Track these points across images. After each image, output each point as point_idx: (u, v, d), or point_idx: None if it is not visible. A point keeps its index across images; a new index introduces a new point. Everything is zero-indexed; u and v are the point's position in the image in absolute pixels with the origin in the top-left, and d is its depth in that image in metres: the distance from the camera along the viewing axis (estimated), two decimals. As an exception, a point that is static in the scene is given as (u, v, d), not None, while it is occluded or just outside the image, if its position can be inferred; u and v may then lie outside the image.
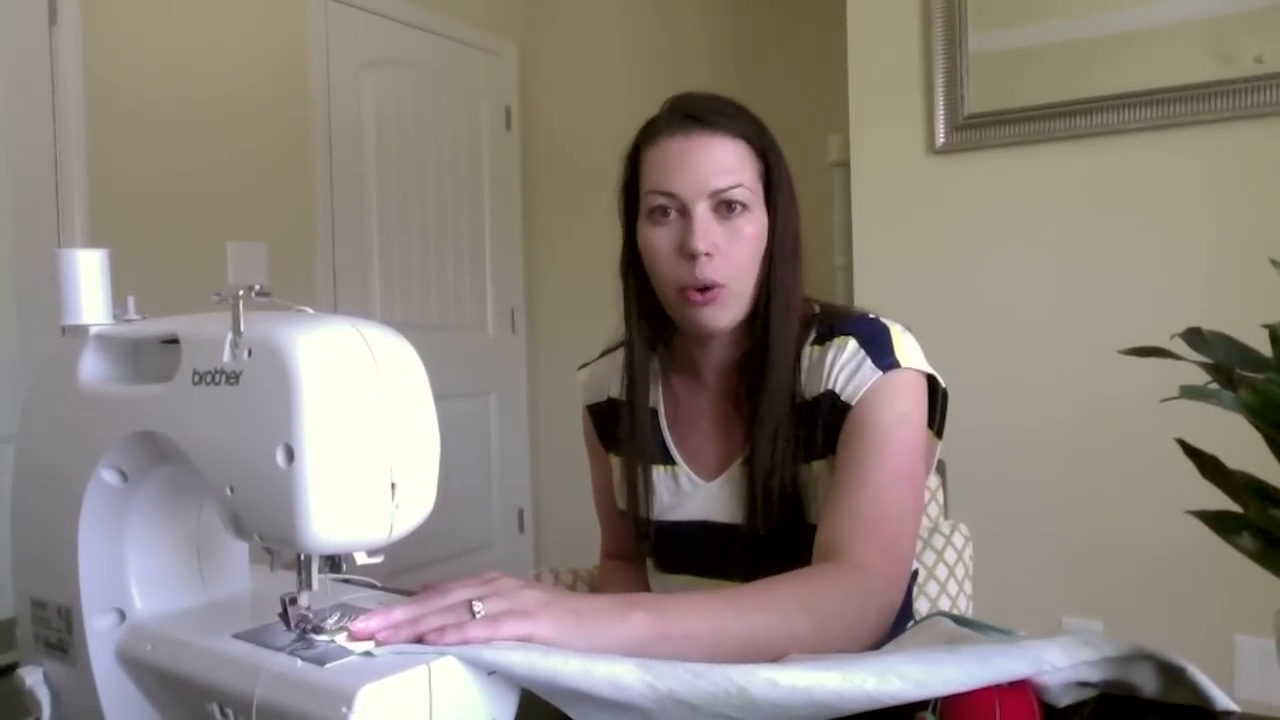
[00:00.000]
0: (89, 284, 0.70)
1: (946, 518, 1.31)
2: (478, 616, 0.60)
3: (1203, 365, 0.55)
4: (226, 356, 0.58)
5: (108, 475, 0.66)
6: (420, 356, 0.61)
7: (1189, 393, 0.54)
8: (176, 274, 2.41)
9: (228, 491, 0.58)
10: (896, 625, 0.83)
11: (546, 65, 3.75)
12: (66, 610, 0.68)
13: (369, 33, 3.18)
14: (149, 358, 0.70)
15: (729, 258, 0.95)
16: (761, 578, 0.79)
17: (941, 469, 1.33)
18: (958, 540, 1.27)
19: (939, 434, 1.00)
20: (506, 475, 3.70)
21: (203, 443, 0.59)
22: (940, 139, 2.32)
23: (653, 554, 1.08)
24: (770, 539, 0.97)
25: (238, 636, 0.62)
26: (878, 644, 0.78)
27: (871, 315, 0.99)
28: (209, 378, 0.59)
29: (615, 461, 1.12)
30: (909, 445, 0.92)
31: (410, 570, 2.71)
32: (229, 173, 2.71)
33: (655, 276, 0.99)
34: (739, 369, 1.02)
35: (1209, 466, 0.54)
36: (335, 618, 0.61)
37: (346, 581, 0.75)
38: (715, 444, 1.04)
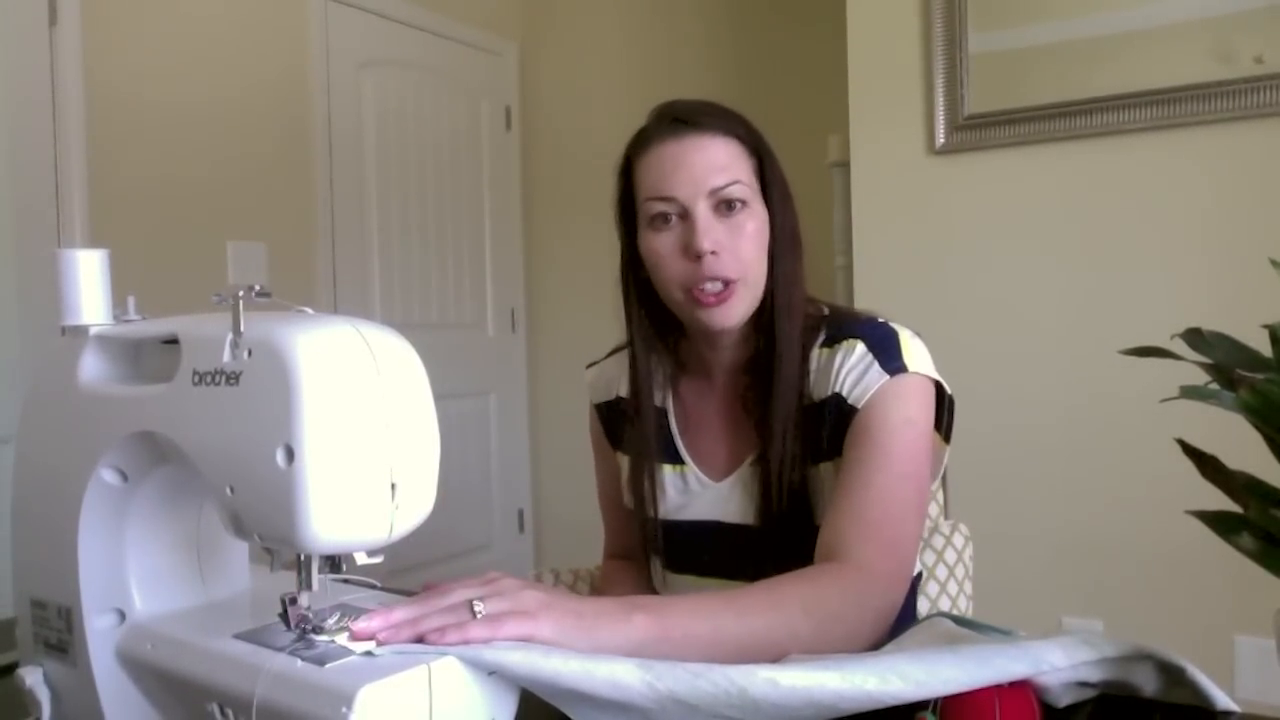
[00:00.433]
0: (89, 284, 0.70)
1: (946, 518, 1.31)
2: (478, 616, 0.60)
3: (1203, 365, 0.55)
4: (226, 357, 0.58)
5: (108, 475, 0.66)
6: (420, 356, 0.61)
7: (1189, 393, 0.54)
8: (176, 274, 2.41)
9: (228, 491, 0.58)
10: (898, 626, 0.83)
11: (546, 65, 3.75)
12: (66, 610, 0.68)
13: (369, 33, 3.18)
14: (149, 358, 0.70)
15: (735, 254, 0.95)
16: (770, 578, 0.79)
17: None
18: (958, 540, 1.27)
19: (946, 439, 1.00)
20: (506, 475, 3.70)
21: (203, 443, 0.59)
22: (940, 139, 2.32)
23: (660, 554, 1.08)
24: (778, 540, 0.97)
25: (238, 636, 0.62)
26: (878, 644, 0.78)
27: (881, 319, 0.99)
28: (209, 378, 0.59)
29: (624, 460, 1.12)
30: (913, 448, 0.92)
31: (410, 570, 2.71)
32: (229, 173, 2.71)
33: (662, 281, 0.99)
34: (747, 369, 1.02)
35: (1209, 466, 0.54)
36: (335, 618, 0.61)
37: (346, 581, 0.75)
38: (724, 445, 1.04)
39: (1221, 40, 2.03)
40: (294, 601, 0.61)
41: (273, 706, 0.55)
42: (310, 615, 0.61)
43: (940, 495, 1.31)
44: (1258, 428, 0.52)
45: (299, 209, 2.94)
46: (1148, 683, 0.66)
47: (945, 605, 1.23)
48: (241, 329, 0.57)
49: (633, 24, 3.54)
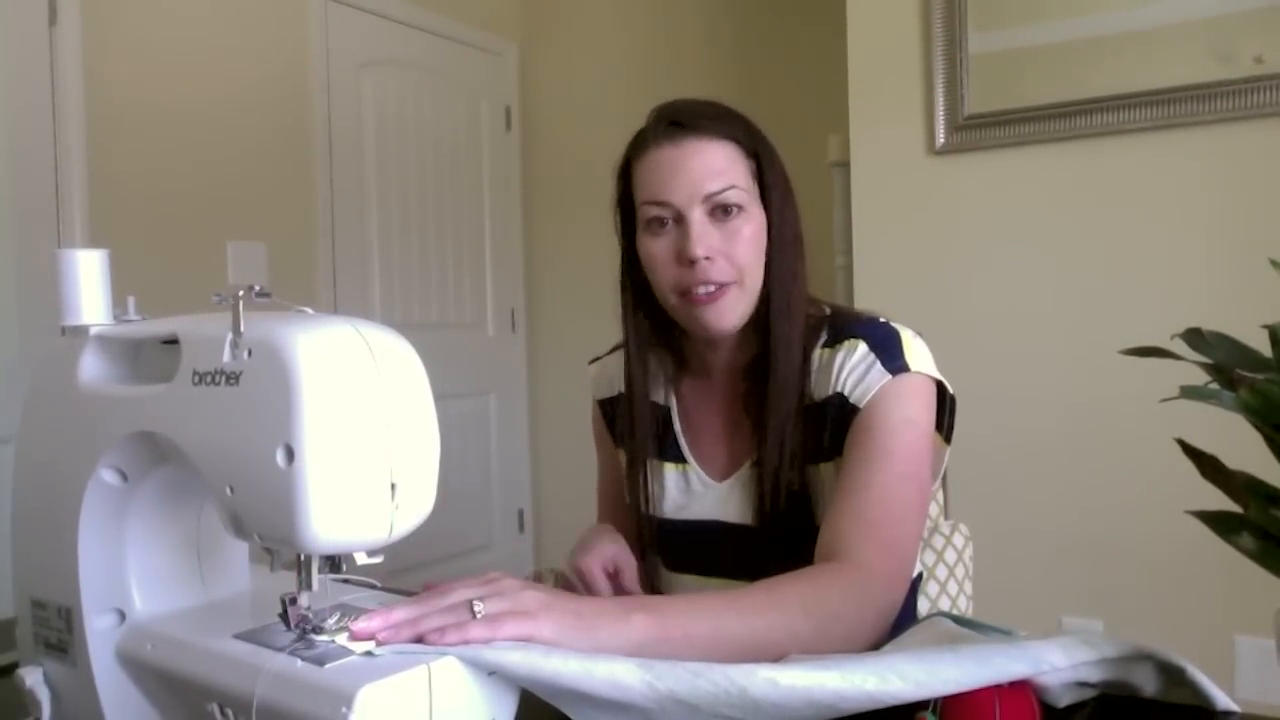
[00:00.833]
0: (89, 284, 0.70)
1: (946, 518, 1.31)
2: (478, 616, 0.60)
3: (1203, 365, 0.55)
4: (226, 357, 0.58)
5: (108, 475, 0.66)
6: (420, 356, 0.61)
7: (1189, 393, 0.54)
8: (176, 274, 2.40)
9: (228, 491, 0.58)
10: (898, 626, 0.83)
11: (546, 65, 3.75)
12: (66, 610, 0.68)
13: (369, 33, 3.18)
14: (149, 358, 0.70)
15: (730, 259, 0.95)
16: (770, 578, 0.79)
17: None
18: (958, 540, 1.27)
19: (947, 440, 1.00)
20: (506, 475, 3.70)
21: (203, 443, 0.59)
22: (940, 139, 2.32)
23: (660, 552, 1.08)
24: (779, 540, 0.97)
25: (238, 636, 0.62)
26: (878, 644, 0.78)
27: (882, 319, 0.99)
28: (209, 378, 0.59)
29: (624, 457, 1.12)
30: (914, 448, 0.92)
31: (410, 570, 2.71)
32: (229, 173, 2.71)
33: (657, 285, 0.99)
34: (747, 371, 1.02)
35: (1209, 466, 0.54)
36: (335, 618, 0.61)
37: (346, 581, 0.75)
38: (726, 445, 1.05)
39: (1221, 40, 2.03)
40: (294, 601, 0.61)
41: (273, 706, 0.55)
42: (310, 615, 0.61)
43: (940, 495, 1.31)
44: (1258, 428, 0.52)
45: (299, 209, 2.94)
46: (1148, 683, 0.66)
47: (945, 605, 1.23)
48: (241, 329, 0.57)
49: (633, 24, 3.54)
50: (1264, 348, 0.54)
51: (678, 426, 1.08)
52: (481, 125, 3.63)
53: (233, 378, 0.57)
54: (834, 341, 0.98)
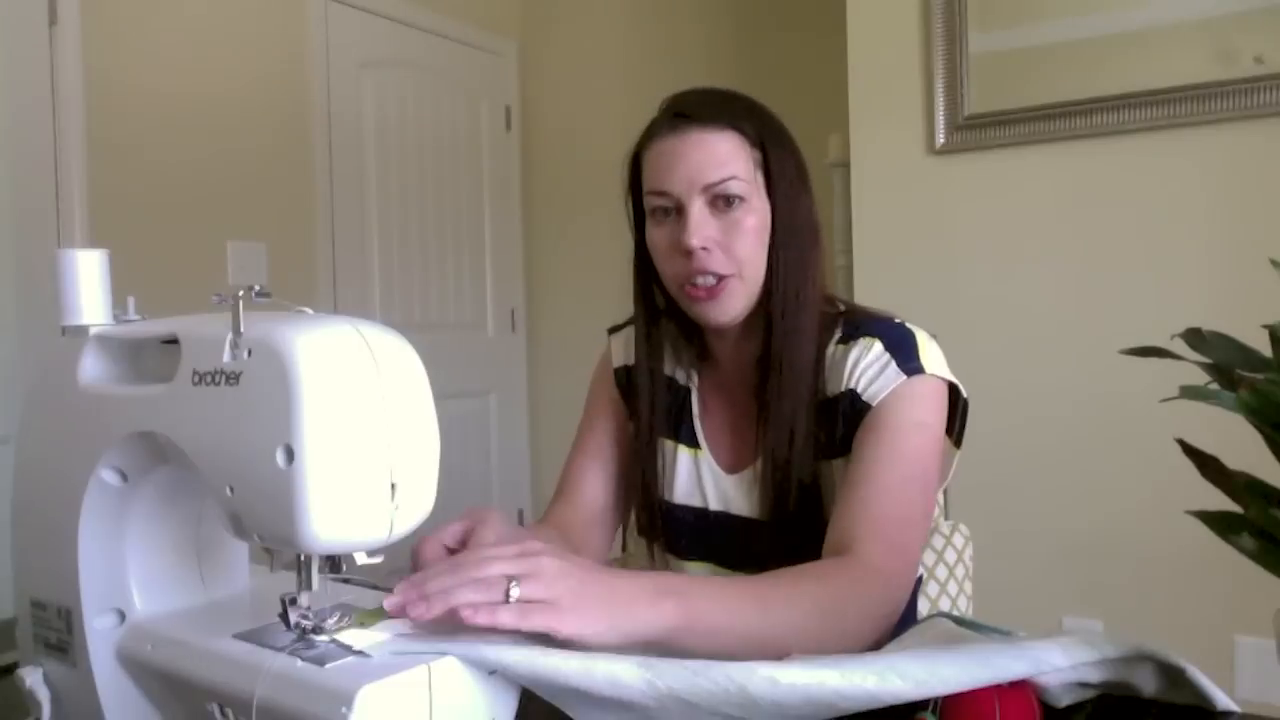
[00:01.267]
0: (89, 284, 0.70)
1: (946, 518, 1.31)
2: (512, 599, 0.60)
3: (1203, 365, 0.55)
4: (226, 357, 0.58)
5: (108, 475, 0.66)
6: (420, 356, 0.61)
7: (1189, 393, 0.54)
8: (176, 274, 2.41)
9: (228, 491, 0.58)
10: (899, 627, 0.83)
11: (546, 65, 3.75)
12: (66, 610, 0.68)
13: (369, 33, 3.18)
14: (149, 358, 0.70)
15: (729, 251, 0.95)
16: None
17: (941, 469, 1.33)
18: (958, 540, 1.27)
19: (957, 444, 1.00)
20: (506, 475, 3.70)
21: (203, 443, 0.59)
22: (940, 139, 2.32)
23: (663, 536, 1.07)
24: (787, 534, 0.96)
25: (238, 636, 0.62)
26: (879, 644, 0.78)
27: (898, 319, 0.99)
28: (209, 378, 0.59)
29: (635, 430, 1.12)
30: (924, 450, 0.92)
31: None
32: (229, 173, 2.71)
33: (661, 274, 1.00)
34: (758, 366, 1.02)
35: (1209, 467, 0.54)
36: (335, 618, 0.61)
37: (346, 581, 0.75)
38: (737, 436, 1.05)
39: (1221, 40, 2.03)
40: (294, 601, 0.61)
41: (273, 706, 0.55)
42: (310, 615, 0.61)
43: (940, 495, 1.31)
44: (1258, 428, 0.52)
45: (299, 209, 2.94)
46: (1147, 683, 0.66)
47: (945, 605, 1.23)
48: (241, 329, 0.57)
49: (633, 24, 3.54)
50: (1264, 348, 0.54)
51: (695, 410, 1.08)
52: (481, 125, 3.63)
53: (233, 378, 0.57)
54: (848, 338, 0.98)
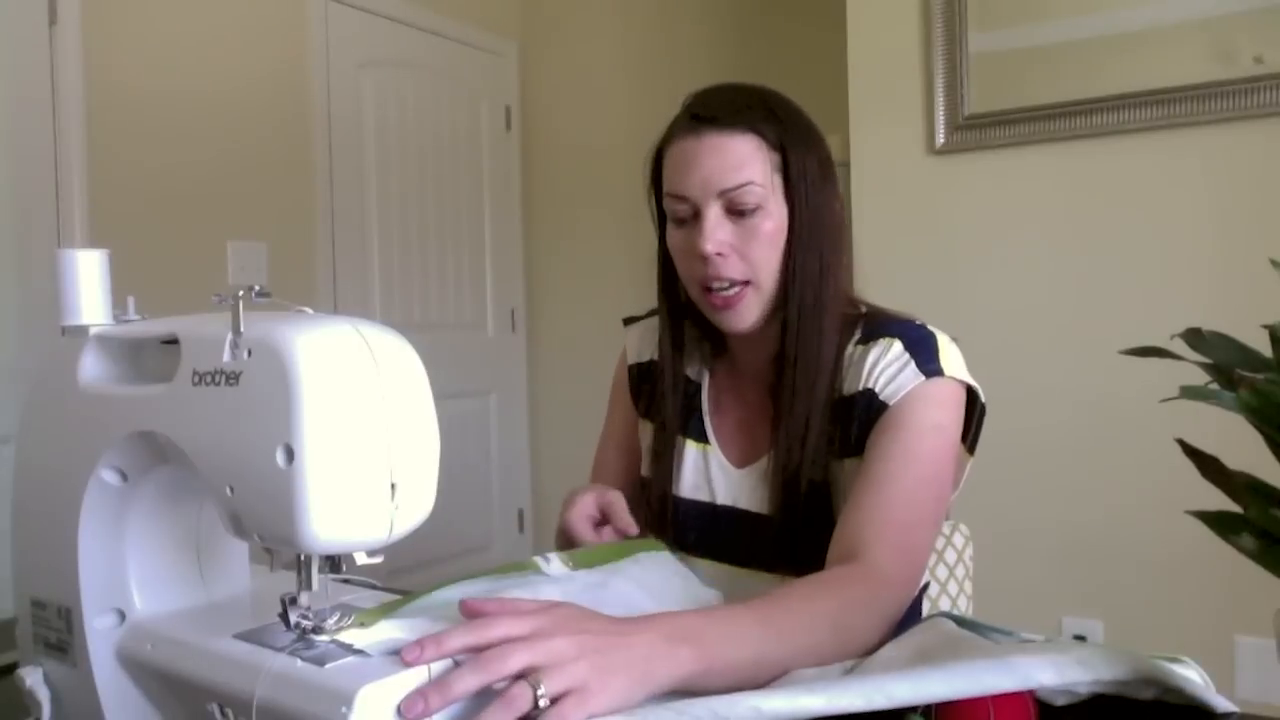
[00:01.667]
0: (89, 284, 0.70)
1: (947, 518, 1.31)
2: (542, 705, 0.57)
3: (1203, 365, 0.55)
4: (226, 357, 0.58)
5: (108, 475, 0.66)
6: (420, 356, 0.61)
7: (1189, 393, 0.54)
8: (176, 274, 2.41)
9: (228, 491, 0.58)
10: (900, 626, 0.83)
11: (546, 65, 3.75)
12: (66, 610, 0.68)
13: (369, 33, 3.18)
14: (149, 358, 0.70)
15: (745, 256, 0.95)
16: (784, 569, 0.78)
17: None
18: (958, 540, 1.26)
19: (971, 450, 0.99)
20: (506, 475, 3.70)
21: (203, 443, 0.59)
22: (940, 139, 2.32)
23: (671, 531, 1.07)
24: (795, 531, 0.96)
25: (238, 636, 0.62)
26: (880, 643, 0.78)
27: (918, 321, 0.98)
28: (209, 378, 0.59)
29: (645, 428, 1.12)
30: (939, 454, 0.91)
31: (410, 570, 2.71)
32: (229, 173, 2.71)
33: (681, 276, 1.01)
34: (774, 365, 1.01)
35: (1209, 467, 0.54)
36: (335, 618, 0.61)
37: (346, 581, 0.75)
38: (750, 433, 1.04)
39: (1221, 40, 2.03)
40: (294, 601, 0.61)
41: (273, 706, 0.55)
42: (310, 615, 0.61)
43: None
44: (1258, 428, 0.52)
45: (299, 209, 2.94)
46: (1143, 690, 0.66)
47: (945, 605, 1.23)
48: (241, 329, 0.57)
49: (633, 24, 3.54)
50: (1264, 348, 0.54)
51: (705, 405, 1.07)
52: (481, 125, 3.63)
53: (233, 378, 0.57)
54: (868, 339, 0.98)
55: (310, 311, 0.61)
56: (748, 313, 0.97)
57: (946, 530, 1.27)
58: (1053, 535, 2.23)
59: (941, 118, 2.31)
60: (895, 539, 0.85)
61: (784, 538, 0.97)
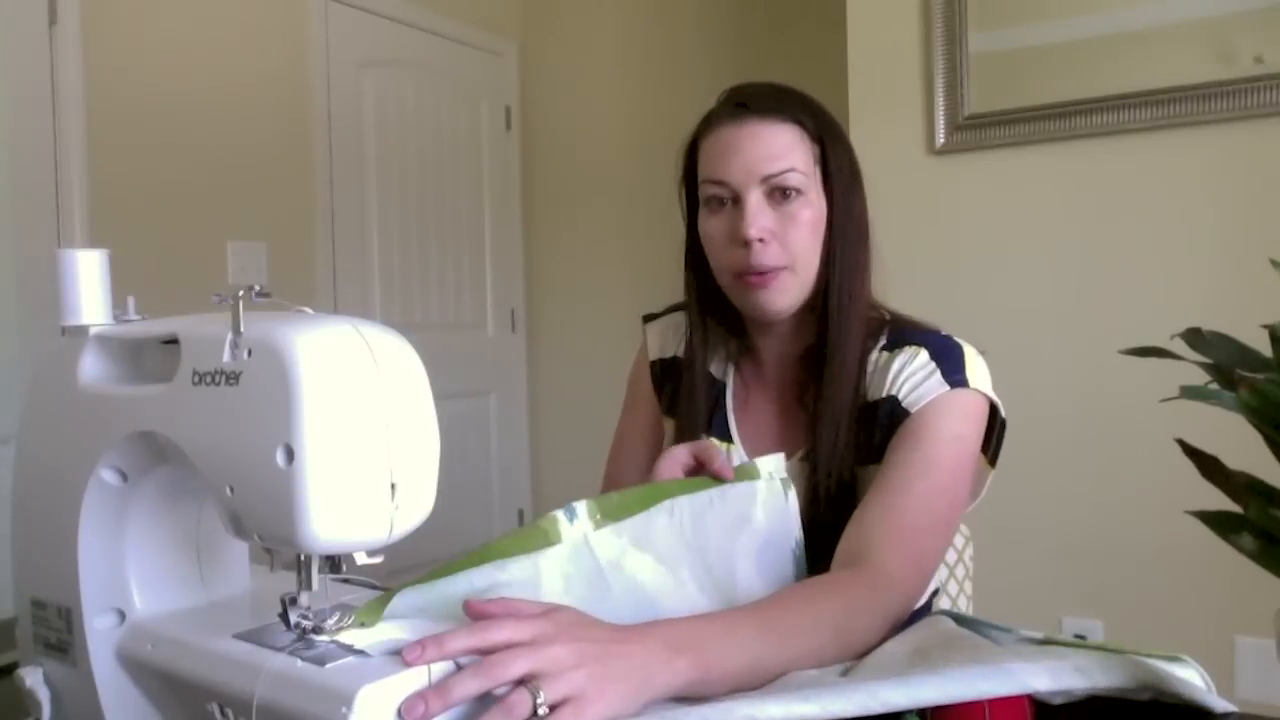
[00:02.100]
0: (89, 284, 0.70)
1: (947, 518, 1.31)
2: (540, 713, 0.56)
3: (1203, 365, 0.55)
4: (226, 356, 0.58)
5: (108, 475, 0.66)
6: (420, 356, 0.61)
7: (1189, 393, 0.54)
8: (176, 274, 2.41)
9: (228, 491, 0.58)
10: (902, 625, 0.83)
11: (546, 65, 3.75)
12: (66, 610, 0.68)
13: (369, 33, 3.18)
14: (149, 358, 0.70)
15: (784, 243, 0.95)
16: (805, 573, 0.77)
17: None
18: (958, 540, 1.27)
19: (992, 463, 0.99)
20: (506, 475, 3.70)
21: (203, 443, 0.59)
22: (940, 139, 2.32)
23: None
24: (815, 531, 0.96)
25: (238, 636, 0.62)
26: (881, 642, 0.78)
27: (945, 332, 0.99)
28: (209, 378, 0.59)
29: (669, 425, 1.11)
30: (958, 464, 0.91)
31: (410, 570, 2.70)
32: (229, 173, 2.71)
33: (713, 265, 1.00)
34: (802, 363, 1.01)
35: (1209, 467, 0.54)
36: (335, 618, 0.61)
37: (346, 581, 0.75)
38: (775, 435, 1.04)
39: (1221, 40, 2.03)
40: (294, 601, 0.61)
41: (273, 706, 0.55)
42: (310, 615, 0.61)
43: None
44: (1258, 428, 0.52)
45: (299, 209, 2.94)
46: (1143, 691, 0.66)
47: (945, 605, 1.23)
48: (241, 329, 0.57)
49: (633, 24, 3.54)
50: (1264, 348, 0.54)
51: (729, 405, 1.07)
52: (481, 125, 3.63)
53: (233, 378, 0.57)
54: (894, 346, 0.97)
55: (310, 311, 0.61)
56: (784, 295, 0.96)
57: (946, 530, 1.27)
58: (1052, 535, 2.23)
59: (941, 118, 2.31)
60: (904, 543, 0.84)
61: (807, 539, 0.97)
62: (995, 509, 2.35)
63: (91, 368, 0.69)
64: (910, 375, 0.94)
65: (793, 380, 1.03)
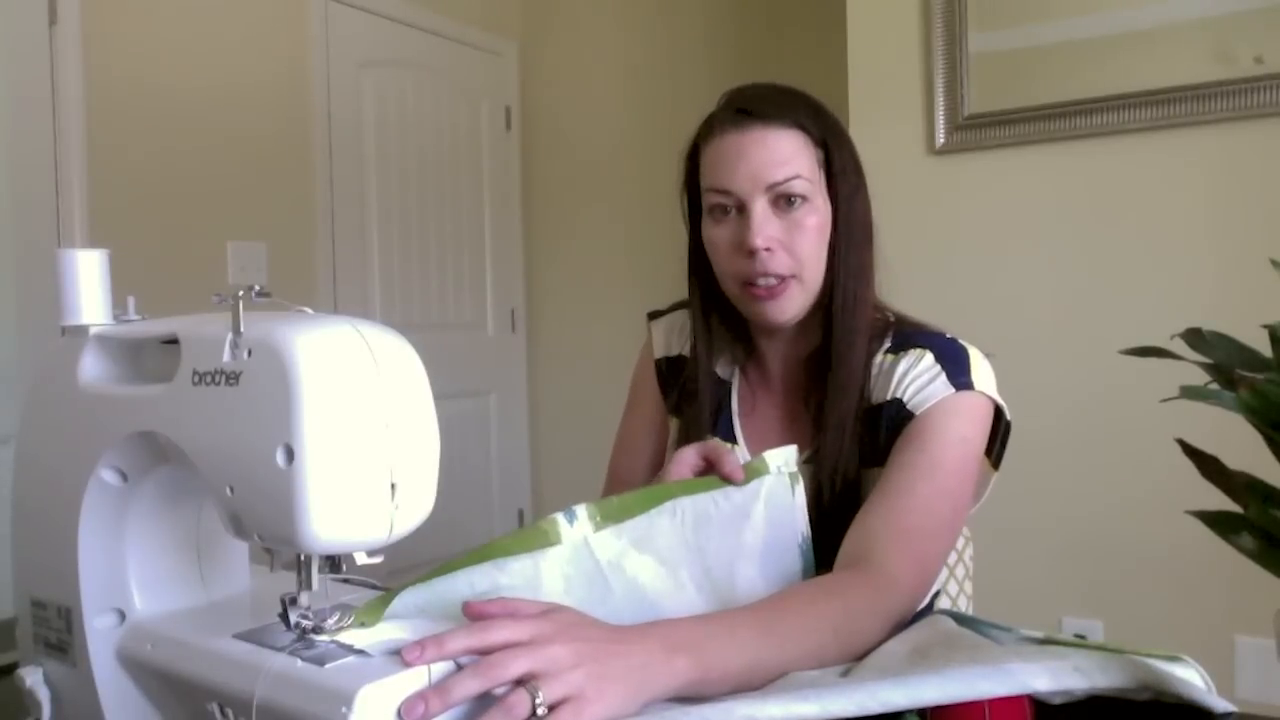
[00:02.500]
0: (89, 284, 0.70)
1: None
2: (539, 713, 0.56)
3: (1203, 365, 0.55)
4: (226, 356, 0.58)
5: (108, 475, 0.66)
6: (420, 356, 0.61)
7: (1189, 393, 0.54)
8: (176, 274, 2.41)
9: (228, 491, 0.58)
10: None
11: (546, 65, 3.75)
12: (66, 610, 0.68)
13: (369, 33, 3.18)
14: (149, 358, 0.70)
15: (791, 251, 0.94)
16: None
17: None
18: (958, 540, 1.26)
19: (996, 466, 0.99)
20: (506, 475, 3.70)
21: (203, 443, 0.59)
22: (940, 139, 2.32)
23: None
24: (822, 537, 0.96)
25: (238, 636, 0.62)
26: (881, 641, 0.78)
27: (950, 335, 0.98)
28: (209, 378, 0.59)
29: (673, 425, 1.11)
30: (962, 466, 0.90)
31: (410, 570, 2.70)
32: (229, 173, 2.71)
33: (718, 273, 0.99)
34: (807, 365, 1.01)
35: (1209, 466, 0.54)
36: (335, 618, 0.61)
37: (346, 581, 0.75)
38: (780, 437, 1.03)
39: (1221, 40, 2.03)
40: (294, 601, 0.61)
41: (273, 706, 0.55)
42: (310, 615, 0.61)
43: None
44: (1258, 428, 0.52)
45: (299, 209, 2.94)
46: (1142, 691, 0.66)
47: (945, 605, 1.23)
48: (241, 329, 0.57)
49: (633, 24, 3.53)
50: (1264, 348, 0.54)
51: (735, 407, 1.07)
52: (481, 125, 3.63)
53: (233, 378, 0.57)
54: (899, 349, 0.97)
55: (310, 311, 0.61)
56: (790, 305, 0.96)
57: (946, 530, 1.26)
58: (1052, 535, 2.23)
59: (941, 118, 2.31)
60: (907, 545, 0.84)
61: (812, 540, 0.96)
62: (995, 509, 2.34)
63: (91, 368, 0.69)
64: (915, 378, 0.94)
65: (797, 383, 1.03)
